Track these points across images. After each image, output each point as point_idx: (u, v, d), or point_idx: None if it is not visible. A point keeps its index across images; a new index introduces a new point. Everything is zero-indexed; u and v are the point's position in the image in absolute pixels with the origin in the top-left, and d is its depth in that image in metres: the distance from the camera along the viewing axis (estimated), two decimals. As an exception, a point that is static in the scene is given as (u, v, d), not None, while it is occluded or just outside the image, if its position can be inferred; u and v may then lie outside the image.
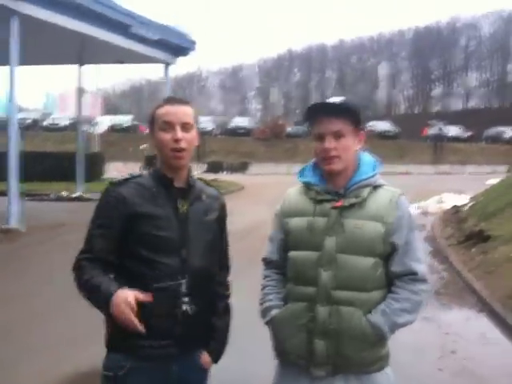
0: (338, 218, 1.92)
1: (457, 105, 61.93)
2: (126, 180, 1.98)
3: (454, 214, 12.31)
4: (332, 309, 1.89)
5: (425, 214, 13.84)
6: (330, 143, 1.92)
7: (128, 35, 13.91)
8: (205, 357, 2.03)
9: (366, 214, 1.92)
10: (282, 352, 2.01)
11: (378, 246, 1.91)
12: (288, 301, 2.00)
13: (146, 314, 1.81)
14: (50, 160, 19.56)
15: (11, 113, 10.79)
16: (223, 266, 2.15)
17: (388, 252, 1.93)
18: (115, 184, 1.97)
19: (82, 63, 17.18)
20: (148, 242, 1.90)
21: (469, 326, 5.57)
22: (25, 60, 10.57)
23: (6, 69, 10.79)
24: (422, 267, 1.96)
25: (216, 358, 2.08)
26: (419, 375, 4.10)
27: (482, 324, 5.55)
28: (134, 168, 14.64)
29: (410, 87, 66.70)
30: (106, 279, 1.87)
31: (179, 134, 1.92)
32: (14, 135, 10.56)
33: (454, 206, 13.15)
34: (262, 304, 2.08)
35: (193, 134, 1.96)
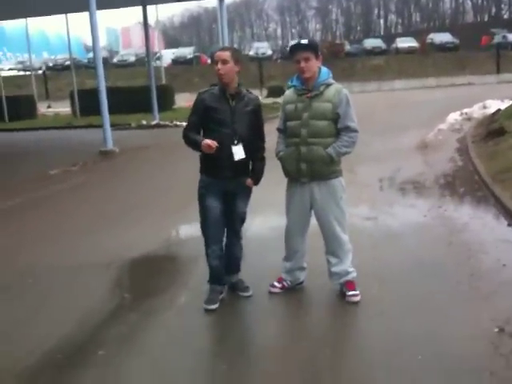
0: (309, 103, 3.78)
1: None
2: (205, 91, 3.88)
3: (491, 117, 13.43)
4: (308, 147, 3.78)
5: (469, 119, 14.99)
6: (302, 64, 3.72)
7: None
8: (249, 180, 3.96)
9: (322, 99, 3.76)
10: (286, 172, 3.96)
11: (329, 115, 3.75)
12: (287, 146, 3.92)
13: (218, 156, 3.71)
14: (125, 94, 21.17)
15: (97, 53, 12.59)
16: (260, 136, 3.99)
17: (336, 118, 3.77)
18: (200, 93, 3.88)
19: (144, 4, 18.69)
20: (214, 120, 3.79)
21: (460, 191, 7.30)
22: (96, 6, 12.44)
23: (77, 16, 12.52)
24: (353, 124, 3.79)
25: (256, 182, 3.99)
26: (410, 219, 6.08)
27: (474, 191, 7.27)
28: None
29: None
30: (199, 136, 3.80)
31: (219, 66, 3.73)
32: (100, 73, 12.47)
33: (498, 110, 13.92)
34: (276, 149, 4.01)
35: (228, 66, 3.73)
